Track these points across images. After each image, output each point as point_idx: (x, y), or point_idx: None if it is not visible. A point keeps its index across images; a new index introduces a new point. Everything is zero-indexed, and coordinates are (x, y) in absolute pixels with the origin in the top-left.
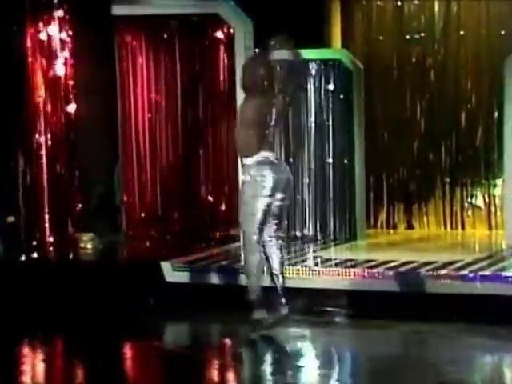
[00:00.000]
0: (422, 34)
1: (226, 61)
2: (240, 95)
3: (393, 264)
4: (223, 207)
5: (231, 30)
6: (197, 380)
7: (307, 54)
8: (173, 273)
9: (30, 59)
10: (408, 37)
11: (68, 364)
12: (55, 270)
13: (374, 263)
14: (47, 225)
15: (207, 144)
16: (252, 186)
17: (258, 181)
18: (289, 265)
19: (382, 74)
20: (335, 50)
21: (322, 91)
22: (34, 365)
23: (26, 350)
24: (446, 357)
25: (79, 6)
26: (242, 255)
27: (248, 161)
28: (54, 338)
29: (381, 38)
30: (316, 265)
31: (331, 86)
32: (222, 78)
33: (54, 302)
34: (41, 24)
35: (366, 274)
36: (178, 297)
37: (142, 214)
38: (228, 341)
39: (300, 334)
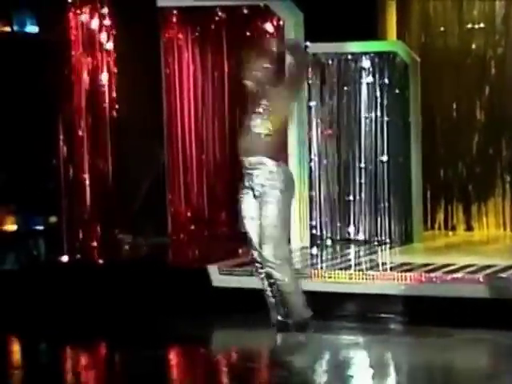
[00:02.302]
0: (482, 25)
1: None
2: None
3: (451, 268)
4: None
5: (281, 23)
6: None
7: (360, 46)
8: (220, 277)
9: (72, 54)
10: (467, 27)
11: (112, 369)
12: (98, 273)
13: (431, 267)
14: (90, 225)
15: None
16: None
17: None
18: (341, 269)
19: (440, 67)
20: (390, 42)
21: (377, 85)
22: (76, 369)
23: (68, 354)
24: (509, 367)
25: None
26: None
27: None
28: (97, 341)
29: (439, 28)
30: (370, 269)
31: (386, 80)
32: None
33: (97, 304)
34: (84, 18)
35: (423, 278)
36: (225, 302)
37: (188, 215)
38: (277, 348)
39: (353, 341)
